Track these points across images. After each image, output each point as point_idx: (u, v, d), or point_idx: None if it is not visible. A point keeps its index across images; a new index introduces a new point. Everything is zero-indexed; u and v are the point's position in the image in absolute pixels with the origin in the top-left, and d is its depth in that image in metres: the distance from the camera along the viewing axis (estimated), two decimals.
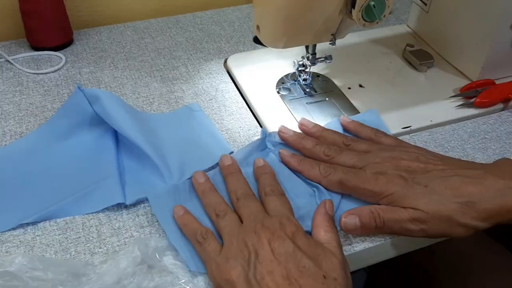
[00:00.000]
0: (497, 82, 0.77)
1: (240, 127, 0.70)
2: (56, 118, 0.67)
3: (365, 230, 0.53)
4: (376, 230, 0.53)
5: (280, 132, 0.63)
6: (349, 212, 0.53)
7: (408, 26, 0.92)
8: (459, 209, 0.50)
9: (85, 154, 0.63)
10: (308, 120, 0.65)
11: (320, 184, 0.57)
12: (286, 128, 0.63)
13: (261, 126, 0.70)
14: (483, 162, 0.65)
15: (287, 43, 0.65)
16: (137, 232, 0.55)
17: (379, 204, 0.54)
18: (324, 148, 0.59)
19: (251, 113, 0.73)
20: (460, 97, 0.75)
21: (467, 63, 0.80)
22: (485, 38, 0.75)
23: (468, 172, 0.53)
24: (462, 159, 0.66)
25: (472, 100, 0.73)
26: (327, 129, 0.64)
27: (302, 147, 0.61)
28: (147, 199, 0.57)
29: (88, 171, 0.60)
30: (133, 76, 0.78)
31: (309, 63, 0.72)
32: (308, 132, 0.64)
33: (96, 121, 0.63)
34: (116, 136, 0.64)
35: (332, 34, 0.66)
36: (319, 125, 0.65)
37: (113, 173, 0.59)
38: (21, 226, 0.55)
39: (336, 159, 0.58)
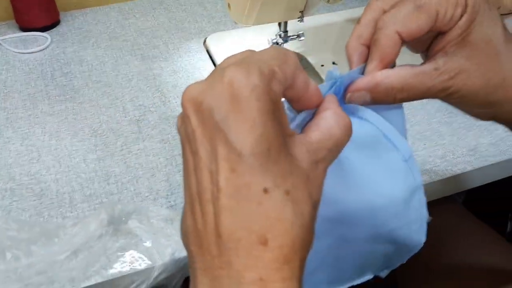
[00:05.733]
0: None
1: None
2: None
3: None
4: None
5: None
6: (357, 86, 0.37)
7: None
8: None
9: None
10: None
11: None
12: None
13: None
14: (448, 135, 0.67)
15: (257, 21, 0.68)
16: (106, 199, 0.58)
17: None
18: None
19: None
20: None
21: None
22: None
23: None
24: (426, 132, 0.68)
25: None
26: None
27: None
28: None
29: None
30: (114, 55, 0.81)
31: (282, 41, 0.75)
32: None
33: None
34: None
35: (300, 11, 0.68)
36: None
37: None
38: None
39: None
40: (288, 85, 0.29)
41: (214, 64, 0.80)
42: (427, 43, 0.38)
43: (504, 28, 0.38)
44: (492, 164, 0.64)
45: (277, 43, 0.76)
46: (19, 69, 0.78)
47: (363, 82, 0.36)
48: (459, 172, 0.63)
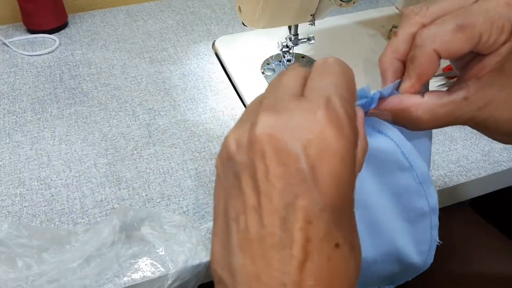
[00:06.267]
0: None
1: (224, 106, 0.72)
2: None
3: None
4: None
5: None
6: (384, 107, 0.36)
7: (396, 7, 0.92)
8: None
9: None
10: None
11: None
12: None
13: (244, 105, 0.72)
14: (461, 140, 0.67)
15: (267, 24, 0.67)
16: (118, 204, 0.57)
17: None
18: None
19: (235, 93, 0.75)
20: (442, 77, 0.76)
21: None
22: None
23: None
24: (439, 137, 0.67)
25: (454, 80, 0.74)
26: None
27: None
28: None
29: None
30: (123, 58, 0.81)
31: (292, 44, 0.74)
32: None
33: None
34: None
35: (311, 15, 0.68)
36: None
37: None
38: (9, 197, 0.58)
39: None
40: None
41: (223, 67, 0.80)
42: (465, 60, 0.37)
43: None
44: (506, 170, 0.63)
45: (287, 46, 0.75)
46: (27, 72, 0.78)
47: (390, 104, 0.35)
48: (473, 177, 0.62)
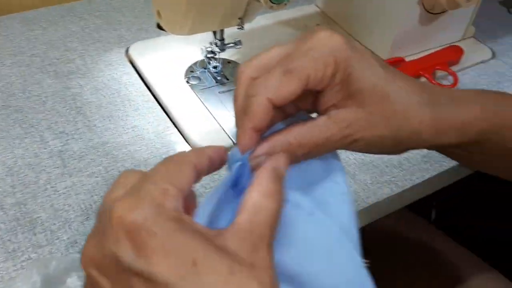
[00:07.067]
0: (407, 59, 0.77)
1: (149, 122, 0.65)
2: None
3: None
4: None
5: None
6: (256, 153, 0.34)
7: (316, 6, 0.90)
8: None
9: None
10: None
11: None
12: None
13: (171, 119, 0.65)
14: None
15: (192, 29, 0.61)
16: (35, 253, 0.49)
17: None
18: None
19: (159, 107, 0.67)
20: None
21: (376, 42, 0.79)
22: (393, 16, 0.74)
23: None
24: None
25: None
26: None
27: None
28: None
29: None
30: (22, 73, 0.70)
31: (218, 49, 0.68)
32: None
33: None
34: None
35: (239, 18, 0.62)
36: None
37: None
38: None
39: None
40: (189, 189, 0.29)
41: (141, 77, 0.72)
42: (308, 102, 0.37)
43: (386, 67, 0.37)
44: (450, 168, 0.62)
45: (212, 52, 0.69)
46: None
47: (260, 148, 0.34)
48: (418, 181, 0.61)
